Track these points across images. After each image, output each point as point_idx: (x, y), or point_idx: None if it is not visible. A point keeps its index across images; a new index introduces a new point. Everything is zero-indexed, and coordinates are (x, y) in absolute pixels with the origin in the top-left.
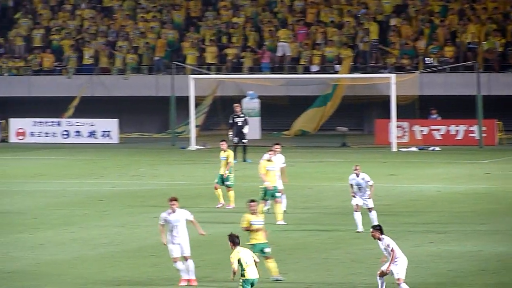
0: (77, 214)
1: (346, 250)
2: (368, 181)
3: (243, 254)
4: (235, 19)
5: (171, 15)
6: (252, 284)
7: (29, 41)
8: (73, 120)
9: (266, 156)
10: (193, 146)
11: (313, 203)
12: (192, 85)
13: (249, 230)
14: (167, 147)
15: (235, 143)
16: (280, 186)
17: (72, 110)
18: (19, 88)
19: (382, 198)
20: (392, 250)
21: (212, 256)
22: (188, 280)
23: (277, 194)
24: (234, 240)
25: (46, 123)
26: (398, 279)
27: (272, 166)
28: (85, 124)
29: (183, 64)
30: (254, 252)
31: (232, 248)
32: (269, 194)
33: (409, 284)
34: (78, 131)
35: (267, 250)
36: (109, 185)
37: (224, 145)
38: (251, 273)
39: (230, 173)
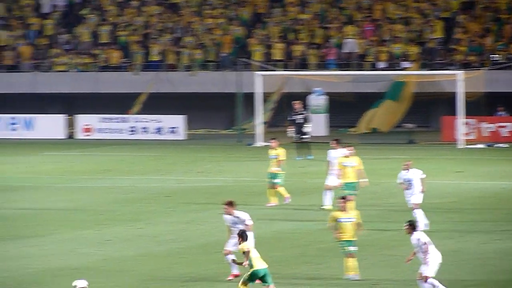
0: (144, 210)
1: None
2: (421, 176)
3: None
4: (302, 16)
5: (238, 12)
6: (262, 275)
7: (96, 37)
8: (140, 117)
9: (342, 151)
10: (259, 142)
11: (380, 200)
12: (259, 82)
13: (335, 227)
14: (234, 143)
15: (296, 140)
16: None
17: (139, 107)
18: (86, 84)
19: (448, 195)
20: (425, 244)
21: (278, 253)
22: (236, 275)
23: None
24: (243, 236)
25: (112, 119)
26: (425, 277)
27: (349, 162)
28: (151, 121)
29: (249, 61)
30: (344, 249)
31: (239, 243)
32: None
33: (475, 281)
34: (144, 128)
35: (352, 248)
36: (175, 181)
37: (274, 143)
38: (259, 264)
39: (281, 171)
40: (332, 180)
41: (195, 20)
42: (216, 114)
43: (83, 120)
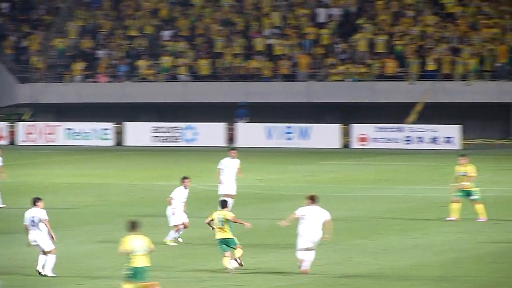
0: (419, 220)
1: None
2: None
3: (215, 216)
4: None
5: None
6: (226, 243)
7: (371, 46)
8: (415, 126)
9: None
10: None
11: None
12: None
13: None
14: (510, 153)
15: None
16: None
17: (415, 116)
18: (362, 93)
19: None
20: None
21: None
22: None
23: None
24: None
25: (388, 129)
26: None
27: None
28: (427, 130)
29: None
30: None
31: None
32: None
33: None
34: (420, 137)
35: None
36: (449, 191)
37: (462, 160)
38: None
39: (474, 187)
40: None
41: (470, 30)
42: (491, 124)
43: (359, 129)
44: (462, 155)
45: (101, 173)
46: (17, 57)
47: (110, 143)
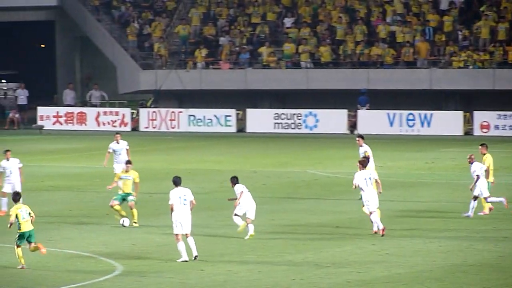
0: None
1: None
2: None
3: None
4: None
5: None
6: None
7: (493, 34)
8: None
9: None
10: None
11: None
12: None
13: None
14: None
15: None
16: None
17: None
18: (483, 81)
19: None
20: None
21: None
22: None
23: None
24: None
25: (510, 116)
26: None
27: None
28: None
29: None
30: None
31: None
32: None
33: None
34: None
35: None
36: None
37: None
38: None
39: None
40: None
41: None
42: None
43: (481, 116)
44: None
45: (222, 160)
46: (140, 44)
47: (232, 129)
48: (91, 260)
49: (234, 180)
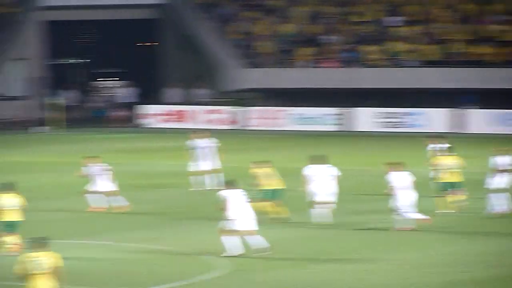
0: None
1: None
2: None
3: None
4: None
5: None
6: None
7: None
8: None
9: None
10: None
11: None
12: None
13: None
14: None
15: None
16: None
17: None
18: None
19: None
20: None
21: None
22: None
23: None
24: None
25: None
26: None
27: None
28: None
29: None
30: None
31: None
32: None
33: None
34: None
35: None
36: None
37: None
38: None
39: None
40: None
41: None
42: None
43: None
44: None
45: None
46: (245, 42)
47: (337, 128)
48: (200, 258)
49: None
